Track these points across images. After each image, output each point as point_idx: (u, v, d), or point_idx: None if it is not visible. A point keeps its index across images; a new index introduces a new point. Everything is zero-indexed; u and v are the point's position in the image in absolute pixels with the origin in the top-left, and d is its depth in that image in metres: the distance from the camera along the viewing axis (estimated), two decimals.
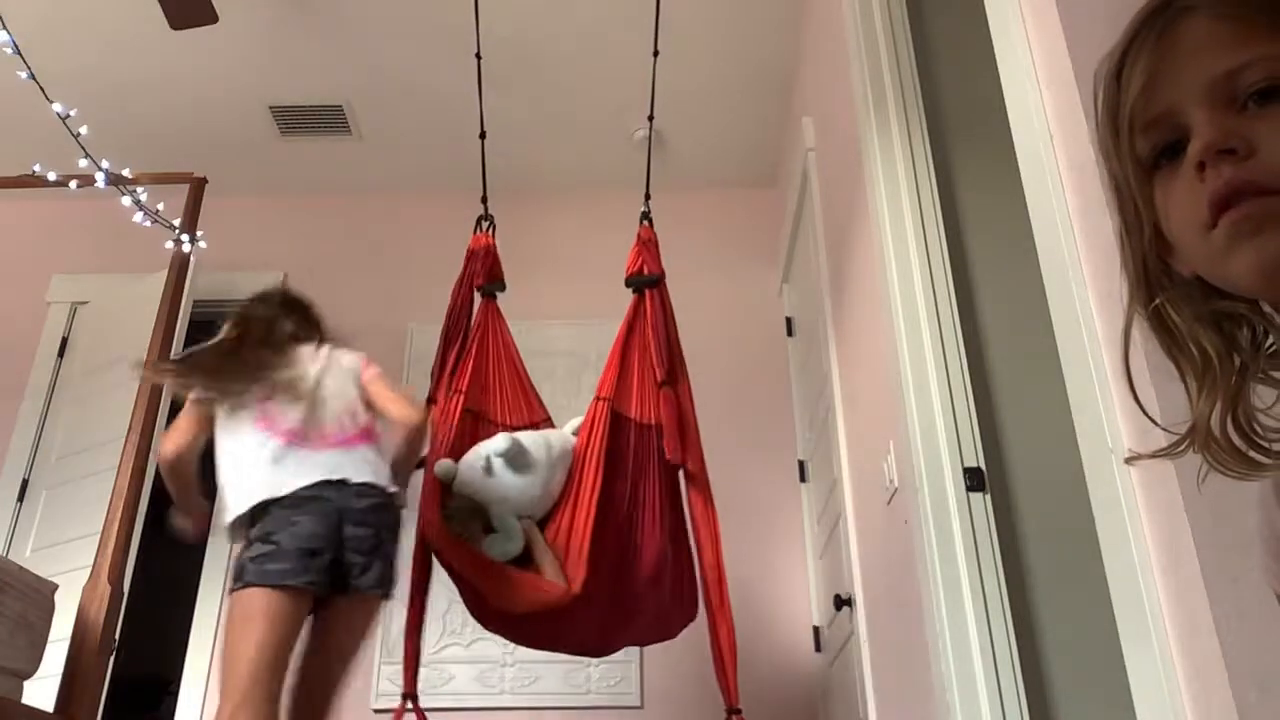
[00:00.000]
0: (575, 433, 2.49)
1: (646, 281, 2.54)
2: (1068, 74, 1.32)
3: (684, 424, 2.41)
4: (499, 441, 2.34)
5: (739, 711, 2.28)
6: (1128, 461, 1.16)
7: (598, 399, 2.45)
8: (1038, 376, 1.89)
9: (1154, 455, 0.64)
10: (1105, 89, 0.63)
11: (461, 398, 2.48)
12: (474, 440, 2.46)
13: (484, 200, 2.78)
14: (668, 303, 2.55)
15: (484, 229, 2.75)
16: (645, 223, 2.65)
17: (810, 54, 3.45)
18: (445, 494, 2.35)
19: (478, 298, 2.70)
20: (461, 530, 2.30)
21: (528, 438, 2.39)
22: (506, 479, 2.32)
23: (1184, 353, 0.62)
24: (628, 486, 2.36)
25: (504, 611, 2.24)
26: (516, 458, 2.33)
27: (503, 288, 2.73)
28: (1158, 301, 0.62)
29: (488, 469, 2.33)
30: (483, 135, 2.84)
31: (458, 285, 2.70)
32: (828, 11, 3.06)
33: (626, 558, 2.30)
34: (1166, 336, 0.62)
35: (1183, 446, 0.61)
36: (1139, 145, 0.60)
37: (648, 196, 2.70)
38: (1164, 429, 0.64)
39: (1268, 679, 0.95)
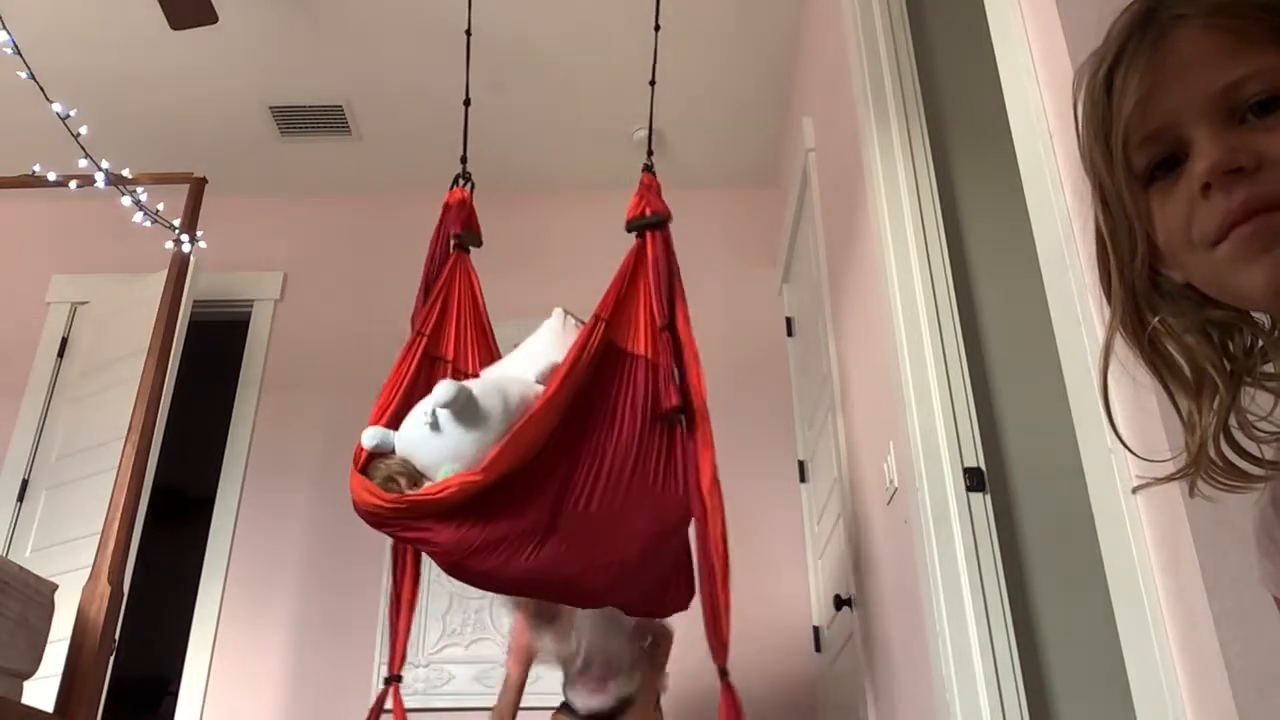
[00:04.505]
0: (541, 379, 2.28)
1: (649, 223, 2.45)
2: (1068, 74, 1.32)
3: (686, 366, 2.27)
4: (442, 389, 2.07)
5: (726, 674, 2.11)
6: (1135, 490, 1.14)
7: (595, 317, 2.31)
8: (1038, 376, 1.89)
9: (1161, 481, 0.64)
10: (1093, 101, 0.61)
11: (424, 341, 2.44)
12: (429, 384, 2.31)
13: (463, 160, 2.77)
14: (670, 245, 2.44)
15: (460, 185, 2.73)
16: (648, 172, 2.57)
17: (810, 54, 3.45)
18: (374, 457, 2.23)
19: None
20: (381, 485, 2.13)
21: (479, 384, 2.17)
22: (454, 435, 2.07)
23: (1173, 371, 0.61)
24: (605, 416, 2.24)
25: (457, 539, 2.06)
26: (465, 408, 2.06)
27: (478, 242, 2.71)
28: (1153, 324, 0.61)
29: (434, 424, 2.08)
30: (467, 102, 2.85)
31: (434, 237, 2.69)
32: (828, 11, 3.06)
33: (591, 487, 2.17)
34: (1156, 356, 0.61)
35: (1191, 469, 0.60)
36: (1135, 159, 0.59)
37: (650, 152, 2.67)
38: (1141, 457, 0.64)
39: (1268, 679, 0.95)
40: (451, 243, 2.68)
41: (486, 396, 2.13)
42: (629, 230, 2.52)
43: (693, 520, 2.23)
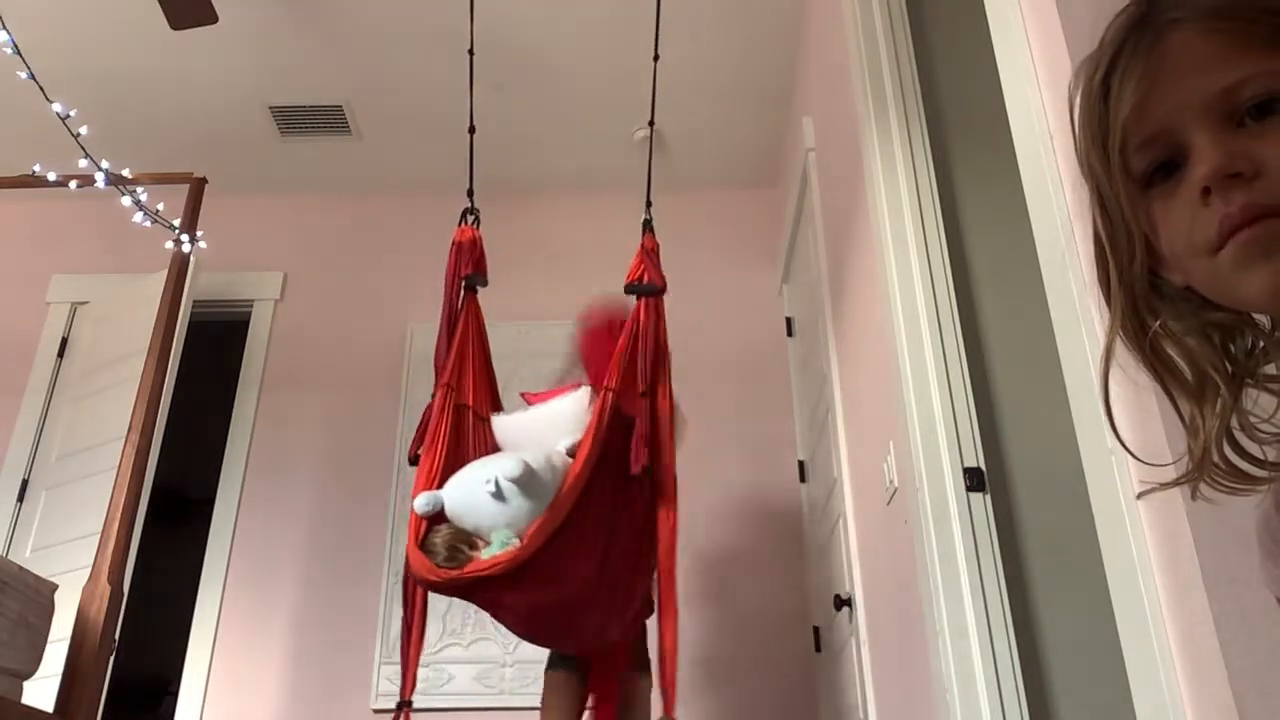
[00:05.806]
0: (570, 452, 2.40)
1: (645, 290, 2.55)
2: (1068, 74, 1.31)
3: (658, 433, 2.43)
4: (510, 465, 2.23)
5: None
6: (1139, 496, 1.13)
7: (605, 389, 2.43)
8: (1038, 376, 1.89)
9: (1167, 486, 0.63)
10: (1090, 105, 0.61)
11: (453, 395, 2.51)
12: (463, 434, 2.47)
13: (470, 194, 2.79)
14: (662, 314, 2.56)
15: (469, 222, 2.76)
16: (648, 231, 2.66)
17: (810, 54, 3.45)
18: (430, 524, 2.31)
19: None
20: (449, 558, 2.22)
21: (534, 459, 2.30)
22: (517, 503, 2.22)
23: (1175, 375, 0.60)
24: (613, 480, 2.35)
25: (506, 603, 2.24)
26: (530, 482, 2.22)
27: (484, 282, 2.73)
28: (1154, 328, 0.60)
29: (498, 494, 2.22)
30: (472, 130, 2.87)
31: (448, 279, 2.72)
32: (828, 12, 3.06)
33: (613, 545, 2.31)
34: (1157, 360, 0.60)
35: (1195, 473, 0.59)
36: (1133, 163, 0.58)
37: (649, 204, 2.70)
38: (1144, 461, 0.63)
39: (1268, 679, 0.95)
40: (462, 285, 2.71)
41: (542, 470, 2.28)
42: (627, 293, 2.60)
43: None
